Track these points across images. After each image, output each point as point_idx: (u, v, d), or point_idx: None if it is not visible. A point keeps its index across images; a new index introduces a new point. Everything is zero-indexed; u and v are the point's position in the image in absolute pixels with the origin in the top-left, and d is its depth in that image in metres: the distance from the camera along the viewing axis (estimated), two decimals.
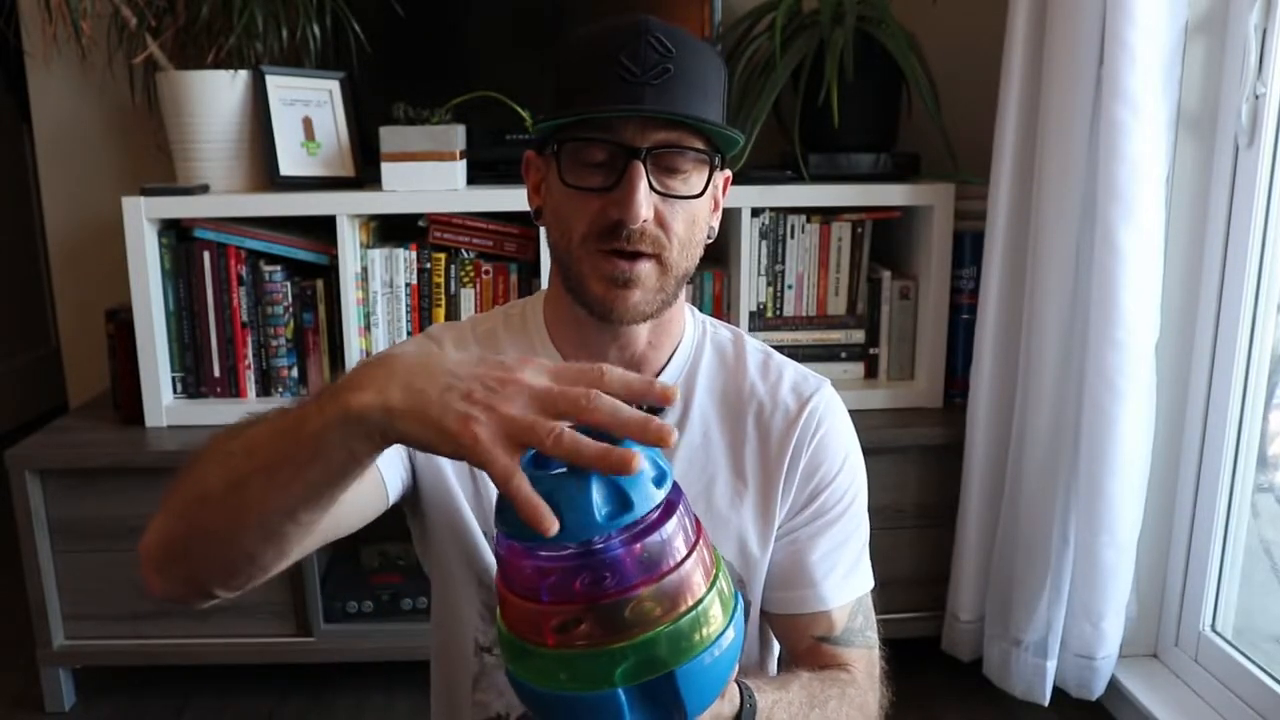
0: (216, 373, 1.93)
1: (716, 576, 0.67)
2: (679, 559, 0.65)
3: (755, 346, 1.01)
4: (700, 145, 0.85)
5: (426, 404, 0.61)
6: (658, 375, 0.96)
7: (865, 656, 0.97)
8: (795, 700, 0.86)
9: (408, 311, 1.93)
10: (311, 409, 0.66)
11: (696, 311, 1.02)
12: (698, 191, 0.87)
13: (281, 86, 1.91)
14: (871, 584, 1.00)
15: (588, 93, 0.83)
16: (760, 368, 0.99)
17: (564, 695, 0.65)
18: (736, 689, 0.78)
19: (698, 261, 0.91)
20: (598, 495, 0.63)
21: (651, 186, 0.84)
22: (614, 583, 0.63)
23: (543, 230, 1.00)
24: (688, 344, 0.98)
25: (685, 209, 0.87)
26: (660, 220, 0.85)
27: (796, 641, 0.96)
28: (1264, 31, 1.59)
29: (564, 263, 0.90)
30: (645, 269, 0.86)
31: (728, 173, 0.96)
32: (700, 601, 0.65)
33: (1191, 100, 1.68)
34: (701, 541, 0.67)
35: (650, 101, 0.82)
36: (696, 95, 0.84)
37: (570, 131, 0.85)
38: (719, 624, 0.66)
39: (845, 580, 0.96)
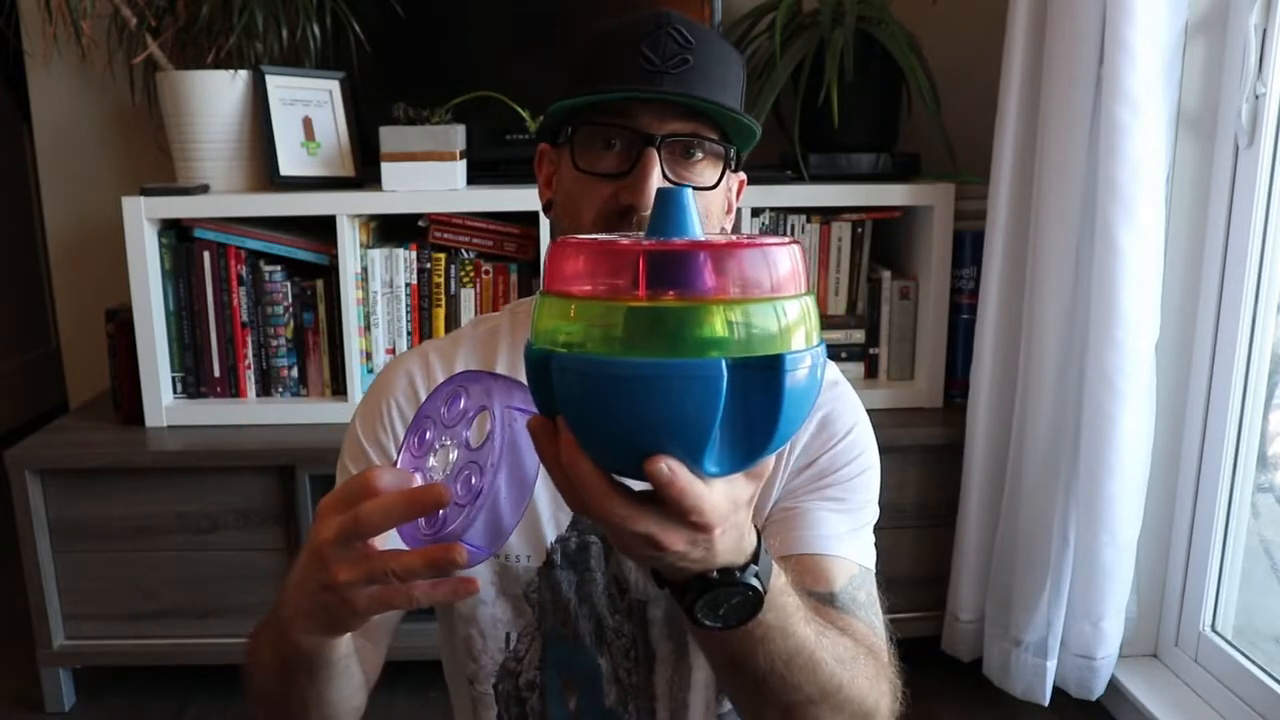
0: (216, 373, 1.93)
1: (811, 293, 0.59)
2: (784, 241, 0.58)
3: None
4: (715, 137, 0.85)
5: (311, 610, 0.69)
6: None
7: (870, 636, 0.86)
8: (811, 611, 0.76)
9: (408, 311, 1.93)
10: (285, 620, 0.73)
11: None
12: (711, 184, 0.86)
13: (281, 86, 1.91)
14: (873, 560, 0.92)
15: (605, 79, 0.83)
16: None
17: (648, 363, 0.53)
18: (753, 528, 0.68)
19: None
20: None
21: (665, 175, 0.83)
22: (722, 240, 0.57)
23: (545, 227, 1.00)
24: None
25: (698, 201, 0.86)
26: None
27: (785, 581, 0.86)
28: (1264, 32, 1.59)
29: None
30: None
31: (743, 176, 0.95)
32: (803, 295, 0.57)
33: (1191, 100, 1.68)
34: (800, 250, 0.59)
35: (668, 90, 0.82)
36: (715, 88, 0.84)
37: (586, 116, 0.85)
38: (811, 336, 0.58)
39: (843, 539, 0.89)
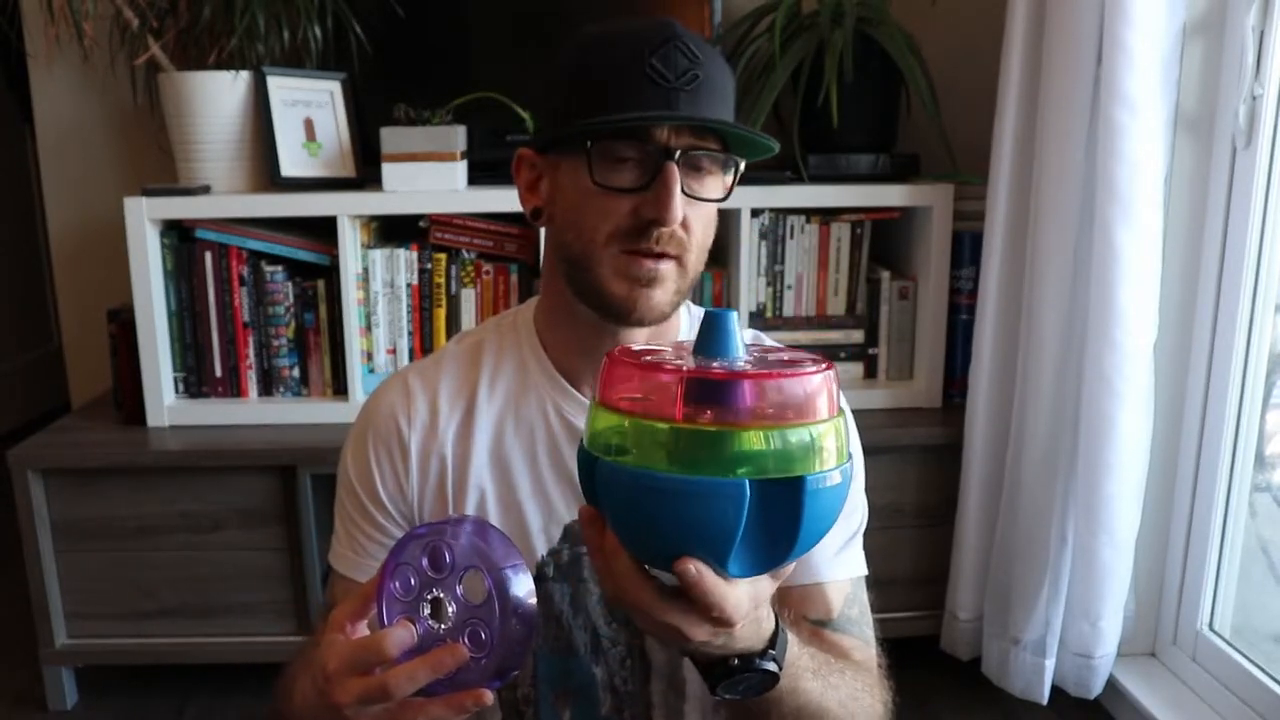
0: (218, 373, 1.94)
1: (840, 415, 0.66)
2: (815, 369, 0.64)
3: (747, 337, 1.00)
4: (725, 153, 0.86)
5: None
6: None
7: (863, 649, 0.94)
8: (818, 656, 0.84)
9: (409, 312, 1.93)
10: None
11: (694, 307, 1.01)
12: (720, 195, 0.87)
13: (283, 87, 1.92)
14: (865, 570, 0.97)
15: (619, 93, 0.83)
16: None
17: (678, 479, 0.61)
18: (772, 612, 0.76)
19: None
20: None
21: (682, 189, 0.83)
22: (754, 368, 0.63)
23: (542, 230, 1.00)
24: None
25: (704, 212, 0.87)
26: (685, 223, 0.85)
27: (793, 628, 0.93)
28: (1261, 33, 1.59)
29: (579, 264, 0.88)
30: (668, 268, 0.86)
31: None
32: (829, 420, 0.63)
33: (1189, 101, 1.68)
34: (833, 375, 0.66)
35: (683, 107, 0.82)
36: (720, 102, 0.85)
37: (601, 130, 0.84)
38: (839, 454, 0.65)
39: (838, 556, 0.94)
